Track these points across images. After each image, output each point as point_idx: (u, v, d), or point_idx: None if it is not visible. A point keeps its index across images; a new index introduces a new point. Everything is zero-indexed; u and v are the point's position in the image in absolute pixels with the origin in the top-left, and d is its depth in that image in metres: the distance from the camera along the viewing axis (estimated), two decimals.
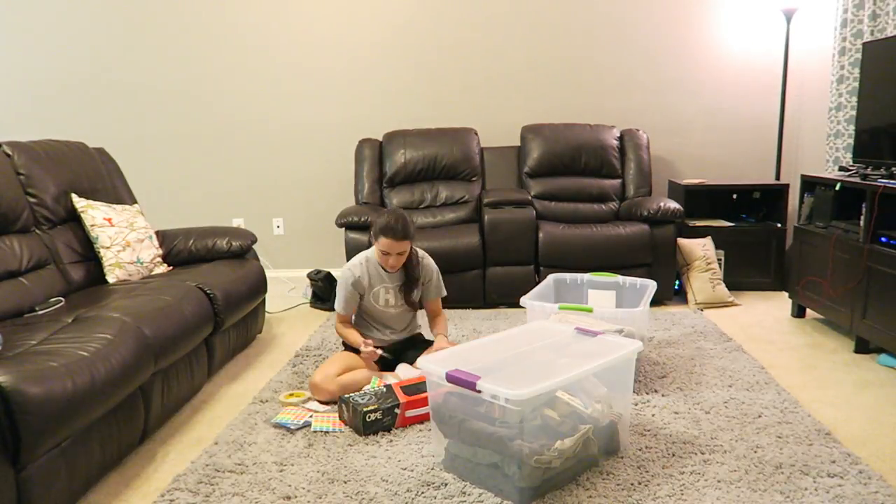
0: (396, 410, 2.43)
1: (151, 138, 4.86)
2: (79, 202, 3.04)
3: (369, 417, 2.37)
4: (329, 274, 4.17)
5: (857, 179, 3.27)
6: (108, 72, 4.78)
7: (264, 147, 4.88)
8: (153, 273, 3.16)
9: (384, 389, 2.49)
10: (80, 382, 1.86)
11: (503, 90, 4.77)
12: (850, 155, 4.11)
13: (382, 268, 2.85)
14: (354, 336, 2.85)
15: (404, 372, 2.74)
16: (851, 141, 4.08)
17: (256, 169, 4.89)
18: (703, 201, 4.68)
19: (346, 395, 2.45)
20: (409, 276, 2.87)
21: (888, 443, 2.31)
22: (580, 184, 4.47)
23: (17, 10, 4.71)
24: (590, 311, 2.73)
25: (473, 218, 4.38)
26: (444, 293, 3.00)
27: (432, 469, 2.15)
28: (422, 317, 3.14)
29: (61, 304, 2.61)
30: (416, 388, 2.52)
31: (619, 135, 4.57)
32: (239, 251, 3.44)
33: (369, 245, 3.93)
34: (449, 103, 4.78)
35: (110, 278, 2.99)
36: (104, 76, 4.79)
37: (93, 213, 3.04)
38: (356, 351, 2.85)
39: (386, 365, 2.92)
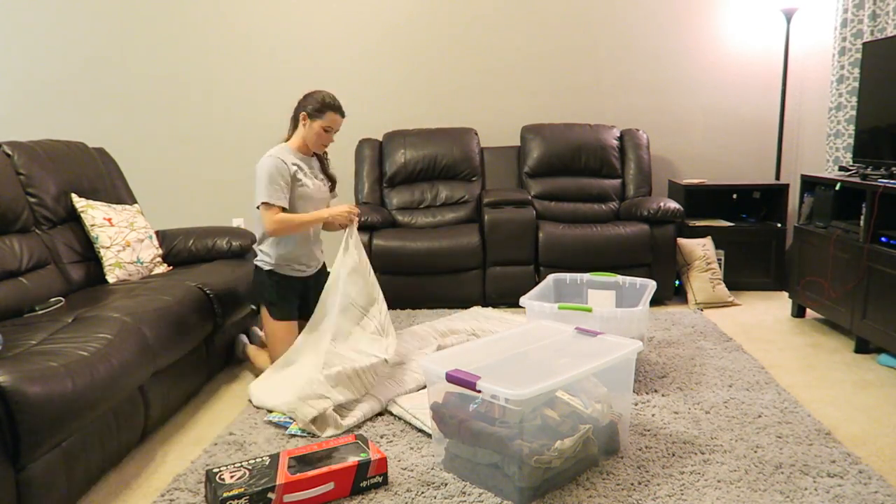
0: (270, 495, 1.87)
1: (151, 138, 4.86)
2: (79, 202, 3.04)
3: None
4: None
5: (857, 179, 3.27)
6: (108, 72, 4.78)
7: (264, 147, 4.84)
8: (153, 273, 3.16)
9: (266, 461, 2.00)
10: (80, 382, 1.86)
11: (503, 90, 4.76)
12: (850, 155, 4.11)
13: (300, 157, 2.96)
14: (309, 215, 2.84)
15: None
16: (851, 141, 4.08)
17: None
18: (703, 201, 4.68)
19: (213, 470, 1.96)
20: (319, 158, 3.10)
21: (888, 443, 2.31)
22: (580, 184, 4.47)
23: (16, 10, 4.71)
24: (589, 310, 2.73)
25: (473, 218, 4.38)
26: None
27: (432, 469, 2.15)
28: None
29: (61, 304, 2.61)
30: (312, 460, 1.99)
31: (619, 135, 4.57)
32: (239, 251, 3.45)
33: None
34: (449, 103, 4.78)
35: (110, 278, 2.99)
36: (104, 76, 4.79)
37: (93, 213, 3.04)
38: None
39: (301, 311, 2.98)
